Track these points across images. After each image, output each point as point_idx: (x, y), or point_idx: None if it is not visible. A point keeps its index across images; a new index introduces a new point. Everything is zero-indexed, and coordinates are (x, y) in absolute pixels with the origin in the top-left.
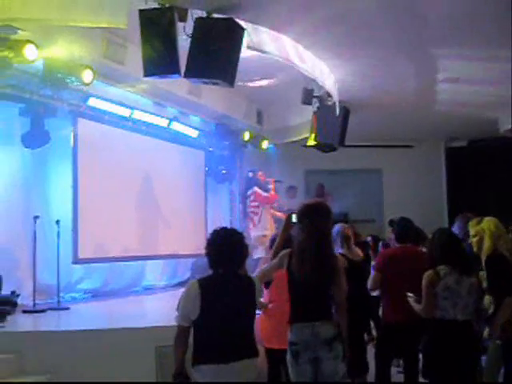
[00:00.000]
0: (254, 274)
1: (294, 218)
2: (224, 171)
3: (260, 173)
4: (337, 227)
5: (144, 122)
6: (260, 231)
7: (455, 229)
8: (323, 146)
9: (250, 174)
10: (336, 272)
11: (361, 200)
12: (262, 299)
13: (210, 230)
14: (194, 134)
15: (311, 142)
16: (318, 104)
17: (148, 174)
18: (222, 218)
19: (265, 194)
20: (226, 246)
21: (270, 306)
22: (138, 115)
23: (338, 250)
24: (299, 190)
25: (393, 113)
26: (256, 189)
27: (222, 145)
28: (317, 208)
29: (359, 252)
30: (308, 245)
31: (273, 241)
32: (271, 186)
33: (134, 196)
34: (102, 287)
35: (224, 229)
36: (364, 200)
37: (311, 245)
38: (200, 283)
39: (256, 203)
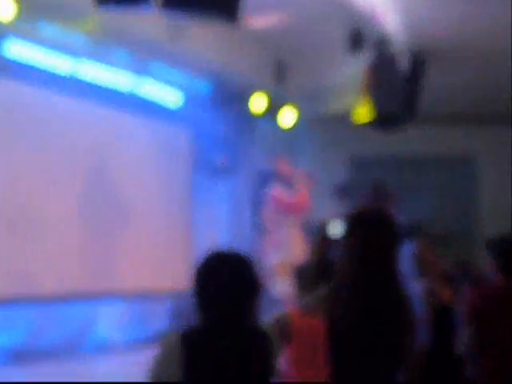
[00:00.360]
0: (270, 322)
1: (333, 231)
2: (223, 161)
3: (282, 162)
4: (408, 247)
5: (93, 82)
6: (282, 255)
7: None
8: (381, 121)
9: (266, 166)
10: (408, 321)
11: (441, 204)
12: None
13: (200, 254)
14: (174, 101)
15: (362, 115)
16: (373, 54)
17: (100, 167)
18: (218, 234)
19: (290, 198)
20: (222, 280)
21: (294, 373)
22: (83, 72)
23: (411, 283)
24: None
25: (492, 69)
26: (276, 189)
27: (219, 119)
28: (372, 218)
29: (445, 288)
30: (358, 276)
31: (301, 270)
32: (300, 184)
33: (77, 201)
34: (26, 344)
35: (221, 252)
36: (446, 204)
37: (363, 276)
38: (182, 338)
39: (276, 214)
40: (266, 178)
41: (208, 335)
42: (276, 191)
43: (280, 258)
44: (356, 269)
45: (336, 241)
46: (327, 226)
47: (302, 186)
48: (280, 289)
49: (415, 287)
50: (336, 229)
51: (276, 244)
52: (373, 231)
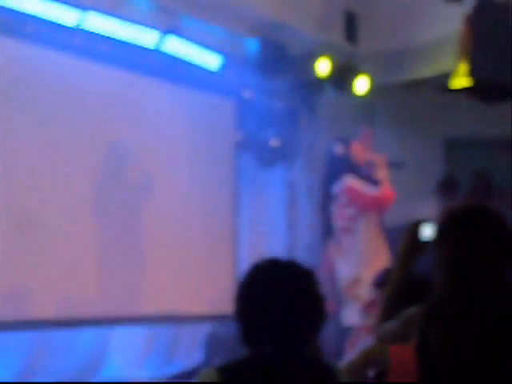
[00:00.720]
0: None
1: (427, 234)
2: (276, 141)
3: (356, 144)
4: None
5: (107, 37)
6: (358, 267)
7: None
8: (486, 89)
9: (337, 148)
10: None
11: None
12: None
13: (245, 265)
14: (212, 63)
15: (461, 82)
16: (475, 2)
17: (117, 150)
18: (270, 240)
19: (370, 192)
20: (275, 299)
21: None
22: (94, 24)
23: None
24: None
25: None
26: (350, 180)
27: (271, 86)
28: (475, 219)
29: None
30: (459, 295)
31: (380, 283)
32: (382, 174)
33: (89, 197)
34: (22, 377)
35: (274, 262)
36: None
37: (466, 295)
38: (221, 373)
39: (350, 209)
40: (337, 167)
41: (254, 371)
42: (352, 182)
43: (354, 273)
44: (448, 285)
45: (427, 243)
46: (419, 229)
47: (384, 177)
48: (352, 314)
49: None
50: (429, 233)
51: (349, 253)
52: (475, 237)
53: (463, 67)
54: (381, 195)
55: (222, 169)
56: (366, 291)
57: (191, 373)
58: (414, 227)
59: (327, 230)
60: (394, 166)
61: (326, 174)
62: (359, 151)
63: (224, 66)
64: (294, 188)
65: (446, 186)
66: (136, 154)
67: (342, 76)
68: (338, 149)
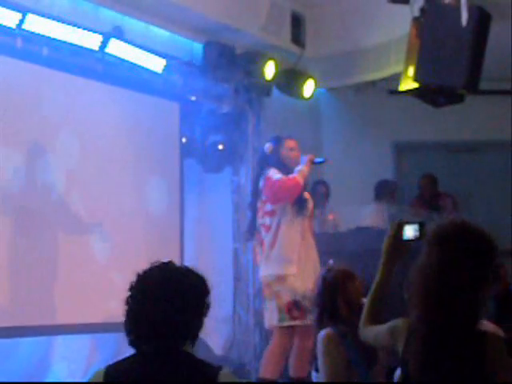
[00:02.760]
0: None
1: (409, 234)
2: (221, 145)
3: (289, 141)
4: None
5: (49, 38)
6: (278, 266)
7: None
8: (432, 92)
9: (268, 146)
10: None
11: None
12: None
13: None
14: (157, 65)
15: (408, 83)
16: (422, 4)
17: (59, 153)
18: (217, 243)
19: (278, 175)
20: (151, 297)
21: None
22: (34, 24)
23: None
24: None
25: None
26: (270, 172)
27: (216, 89)
28: (453, 233)
29: None
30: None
31: (325, 285)
32: (299, 168)
33: (16, 198)
34: None
35: (161, 265)
36: None
37: (435, 313)
38: (107, 373)
39: (269, 204)
40: (265, 163)
41: (135, 369)
42: (271, 173)
43: (274, 272)
44: (427, 301)
45: (412, 241)
46: (402, 229)
47: (301, 169)
48: (271, 314)
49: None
50: (411, 234)
51: (268, 251)
52: (451, 250)
53: (410, 70)
54: (286, 181)
55: (167, 174)
56: (286, 291)
57: None
58: (397, 227)
59: (252, 230)
60: (318, 163)
61: (255, 173)
62: (291, 147)
63: (168, 69)
64: (241, 192)
65: (382, 190)
66: (78, 156)
67: (289, 79)
68: (268, 147)
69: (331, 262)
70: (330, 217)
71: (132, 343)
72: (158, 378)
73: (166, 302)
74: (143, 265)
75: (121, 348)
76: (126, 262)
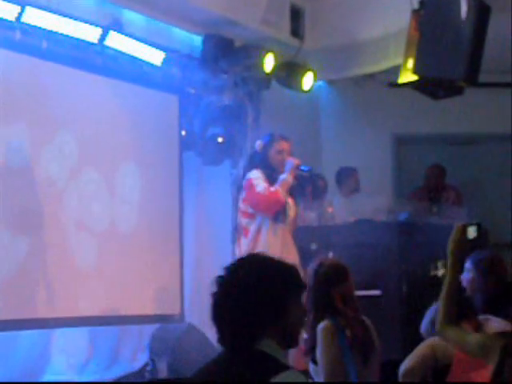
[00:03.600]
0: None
1: (471, 235)
2: (220, 138)
3: (281, 143)
4: (478, 255)
5: (48, 31)
6: None
7: None
8: (431, 84)
9: (258, 144)
10: None
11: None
12: None
13: (191, 265)
14: (156, 58)
15: (407, 76)
16: None
17: (60, 145)
18: (216, 237)
19: (259, 189)
20: (228, 293)
21: None
22: (33, 17)
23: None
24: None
25: None
26: (253, 174)
27: (216, 82)
28: None
29: None
30: None
31: (318, 279)
32: (283, 176)
33: (13, 193)
34: None
35: (250, 258)
36: None
37: None
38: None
39: (248, 207)
40: (253, 161)
41: (210, 368)
42: (253, 176)
43: None
44: None
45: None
46: (466, 230)
47: (284, 180)
48: None
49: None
50: (474, 234)
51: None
52: None
53: (410, 62)
54: (268, 195)
55: (167, 166)
56: None
57: (136, 374)
58: (462, 229)
59: (235, 228)
60: (305, 171)
61: (243, 170)
62: (277, 153)
63: (167, 62)
64: (240, 186)
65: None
66: (77, 149)
67: (288, 72)
68: (258, 145)
69: (331, 254)
70: (329, 209)
71: (218, 341)
72: (230, 378)
73: (240, 299)
74: (142, 257)
75: (120, 341)
76: (125, 254)
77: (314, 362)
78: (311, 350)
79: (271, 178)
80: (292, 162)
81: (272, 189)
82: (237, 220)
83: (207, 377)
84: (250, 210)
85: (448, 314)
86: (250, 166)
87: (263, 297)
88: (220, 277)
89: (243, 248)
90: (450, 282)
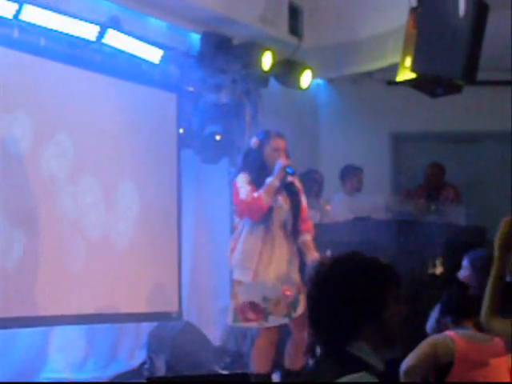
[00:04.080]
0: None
1: None
2: (218, 136)
3: (276, 140)
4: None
5: (45, 28)
6: (234, 271)
7: None
8: (429, 82)
9: (254, 141)
10: None
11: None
12: None
13: (189, 263)
14: (154, 56)
15: (405, 74)
16: None
17: (58, 143)
18: (214, 236)
19: (243, 194)
20: (321, 293)
21: None
22: (31, 15)
23: None
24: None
25: None
26: (240, 176)
27: (213, 79)
28: None
29: None
30: None
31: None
32: (270, 181)
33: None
34: None
35: (347, 256)
36: None
37: None
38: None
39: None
40: (248, 159)
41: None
42: (239, 178)
43: (235, 275)
44: None
45: None
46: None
47: (271, 185)
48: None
49: None
50: None
51: (234, 253)
52: None
53: (408, 60)
54: (250, 202)
55: (165, 164)
56: (243, 293)
57: (135, 372)
58: (510, 222)
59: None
60: (288, 173)
61: (238, 167)
62: (273, 151)
63: (166, 60)
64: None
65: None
66: (75, 147)
67: (286, 70)
68: (254, 142)
69: (329, 252)
70: (327, 208)
71: (316, 342)
72: (323, 381)
73: (336, 297)
74: (140, 255)
75: (118, 339)
76: (123, 253)
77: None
78: (312, 350)
79: (259, 180)
80: (281, 163)
81: (255, 194)
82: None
83: (305, 378)
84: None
85: (493, 306)
86: (245, 164)
87: (360, 295)
88: (316, 275)
89: (230, 245)
90: (496, 275)
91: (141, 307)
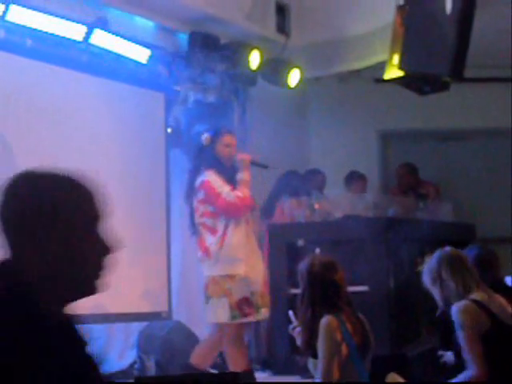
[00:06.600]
0: None
1: None
2: (207, 135)
3: (227, 137)
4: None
5: (32, 29)
6: (224, 267)
7: None
8: (417, 80)
9: (205, 137)
10: None
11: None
12: None
13: (178, 263)
14: (142, 56)
15: (393, 72)
16: None
17: (44, 145)
18: None
19: (227, 195)
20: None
21: None
22: (18, 15)
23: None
24: (372, 173)
25: None
26: (209, 175)
27: (201, 79)
28: None
29: (502, 301)
30: None
31: (312, 277)
32: (242, 176)
33: None
34: None
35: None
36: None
37: None
38: None
39: (209, 206)
40: (201, 156)
41: None
42: (211, 178)
43: (224, 271)
44: None
45: None
46: None
47: (245, 179)
48: (220, 310)
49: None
50: None
51: (214, 252)
52: None
53: (395, 58)
54: (237, 201)
55: (153, 164)
56: (237, 289)
57: (125, 372)
58: None
59: (193, 225)
60: (259, 166)
61: (193, 165)
62: (225, 147)
63: (153, 60)
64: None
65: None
66: (62, 148)
67: (274, 68)
68: (205, 138)
69: (318, 250)
70: (317, 206)
71: None
72: None
73: None
74: (129, 255)
75: (107, 339)
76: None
77: (314, 356)
78: (309, 346)
79: (226, 176)
80: (244, 159)
81: (239, 194)
82: (194, 220)
83: None
84: (211, 209)
85: None
86: (200, 160)
87: None
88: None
89: (212, 246)
90: None
91: (130, 307)
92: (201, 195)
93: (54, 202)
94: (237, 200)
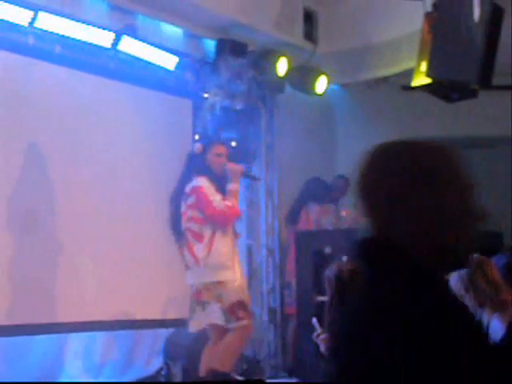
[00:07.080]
0: None
1: None
2: (234, 142)
3: (218, 147)
4: (502, 259)
5: (61, 36)
6: (213, 274)
7: None
8: (445, 87)
9: (197, 146)
10: None
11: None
12: None
13: None
14: (169, 63)
15: (420, 79)
16: None
17: (74, 151)
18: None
19: (217, 203)
20: None
21: None
22: (46, 22)
23: None
24: None
25: None
26: (201, 181)
27: (229, 86)
28: None
29: None
30: None
31: (341, 284)
32: (232, 187)
33: (20, 202)
34: None
35: None
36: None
37: None
38: None
39: (198, 211)
40: (192, 164)
41: None
42: (202, 184)
43: (215, 277)
44: None
45: None
46: None
47: (234, 190)
48: (214, 315)
49: None
50: None
51: (202, 258)
52: None
53: (423, 65)
54: (227, 211)
55: (180, 170)
56: (228, 294)
57: (151, 378)
58: None
59: (176, 230)
60: (251, 178)
61: (183, 172)
62: (216, 156)
63: (181, 67)
64: (254, 189)
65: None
66: (92, 156)
67: (302, 75)
68: (197, 147)
69: (345, 258)
70: (344, 213)
71: None
72: None
73: None
74: (156, 262)
75: (135, 345)
76: (138, 262)
77: None
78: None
79: (217, 184)
80: (234, 170)
81: (229, 203)
82: (181, 225)
83: None
84: (200, 215)
85: None
86: (191, 168)
87: None
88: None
89: (199, 253)
90: None
91: (158, 314)
92: (191, 200)
93: (433, 166)
94: (226, 209)
